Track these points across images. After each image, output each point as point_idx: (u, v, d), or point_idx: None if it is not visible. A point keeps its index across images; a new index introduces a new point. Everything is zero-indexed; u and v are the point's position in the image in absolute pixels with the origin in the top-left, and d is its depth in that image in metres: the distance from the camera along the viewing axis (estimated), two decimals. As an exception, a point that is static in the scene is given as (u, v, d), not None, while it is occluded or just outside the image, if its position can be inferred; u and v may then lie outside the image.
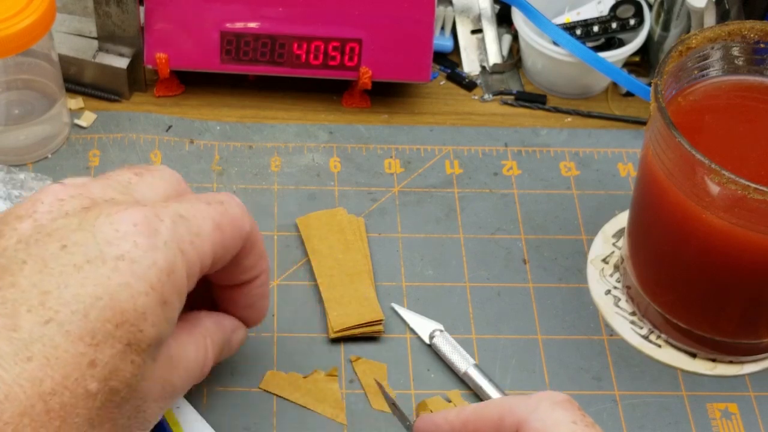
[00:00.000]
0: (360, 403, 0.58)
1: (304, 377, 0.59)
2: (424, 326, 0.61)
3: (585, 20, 0.75)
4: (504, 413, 0.45)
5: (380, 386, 0.56)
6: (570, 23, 0.75)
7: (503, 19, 0.79)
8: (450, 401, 0.58)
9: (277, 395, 0.58)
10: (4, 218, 0.45)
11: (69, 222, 0.44)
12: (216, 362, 0.52)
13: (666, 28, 0.74)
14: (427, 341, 0.61)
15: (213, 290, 0.54)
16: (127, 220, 0.44)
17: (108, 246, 0.43)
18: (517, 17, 0.75)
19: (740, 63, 0.59)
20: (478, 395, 0.58)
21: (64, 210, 0.44)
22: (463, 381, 0.59)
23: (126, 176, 0.48)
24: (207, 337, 0.50)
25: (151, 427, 0.47)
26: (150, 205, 0.45)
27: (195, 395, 0.57)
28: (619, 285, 0.65)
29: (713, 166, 0.50)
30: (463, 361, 0.59)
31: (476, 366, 0.59)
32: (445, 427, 0.47)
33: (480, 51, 0.78)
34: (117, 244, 0.43)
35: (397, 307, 0.62)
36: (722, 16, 0.68)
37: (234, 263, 0.50)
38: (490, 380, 0.58)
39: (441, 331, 0.61)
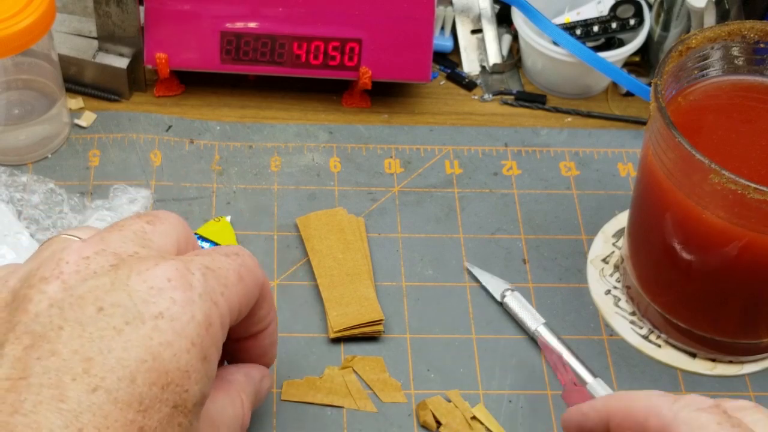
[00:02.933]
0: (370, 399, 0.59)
1: (320, 377, 0.59)
2: (495, 285, 0.64)
3: (585, 20, 0.75)
4: (650, 414, 0.43)
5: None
6: (570, 23, 0.75)
7: (503, 19, 0.79)
8: (450, 401, 0.58)
9: (300, 402, 0.58)
10: (28, 280, 0.43)
11: (101, 282, 0.42)
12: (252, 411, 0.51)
13: (666, 28, 0.74)
14: (499, 299, 0.63)
15: (226, 344, 0.52)
16: (161, 276, 0.43)
17: (145, 305, 0.42)
18: (517, 17, 0.75)
19: (740, 63, 0.59)
20: (545, 356, 0.61)
21: (91, 269, 0.43)
22: (464, 379, 0.59)
23: (138, 225, 0.47)
24: (241, 392, 0.50)
25: None
26: (177, 258, 0.45)
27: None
28: (619, 285, 0.65)
29: (713, 166, 0.50)
30: (533, 320, 0.62)
31: (546, 325, 0.61)
32: (592, 415, 0.46)
33: (480, 51, 0.78)
34: (154, 302, 0.42)
35: (469, 266, 0.65)
36: (722, 16, 0.68)
37: (249, 314, 0.50)
38: (559, 338, 0.61)
39: (512, 290, 0.63)
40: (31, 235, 0.64)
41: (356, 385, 0.59)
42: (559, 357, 0.60)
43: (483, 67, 0.78)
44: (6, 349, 0.41)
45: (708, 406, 0.42)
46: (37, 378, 0.39)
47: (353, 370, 0.60)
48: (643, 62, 0.78)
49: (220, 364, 0.52)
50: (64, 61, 0.71)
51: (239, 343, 0.52)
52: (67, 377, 0.39)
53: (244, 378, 0.51)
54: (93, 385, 0.39)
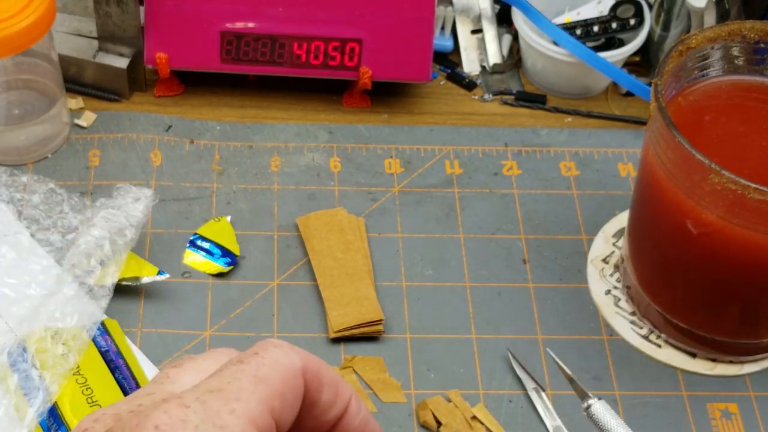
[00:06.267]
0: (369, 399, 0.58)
1: None
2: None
3: (585, 20, 0.75)
4: None
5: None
6: (570, 23, 0.75)
7: (503, 19, 0.79)
8: (450, 401, 0.58)
9: None
10: None
11: None
12: None
13: (666, 28, 0.74)
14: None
15: None
16: (149, 427, 0.39)
17: None
18: (517, 17, 0.75)
19: (740, 63, 0.59)
20: None
21: None
22: (464, 379, 0.59)
23: (166, 371, 0.44)
24: None
25: None
26: (177, 394, 0.42)
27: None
28: (619, 285, 0.65)
29: (713, 166, 0.50)
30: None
31: None
32: None
33: (480, 51, 0.78)
34: None
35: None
36: (722, 16, 0.68)
37: (310, 406, 0.45)
38: None
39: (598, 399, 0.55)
40: (32, 235, 0.64)
41: (356, 385, 0.59)
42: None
43: (483, 67, 0.78)
44: None
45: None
46: None
47: (353, 370, 0.60)
48: (643, 62, 0.78)
49: None
50: (64, 61, 0.71)
51: None
52: None
53: None
54: None
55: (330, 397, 0.45)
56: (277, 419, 0.42)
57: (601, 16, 0.75)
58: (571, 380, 0.55)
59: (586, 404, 0.54)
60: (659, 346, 0.62)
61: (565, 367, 0.56)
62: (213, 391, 0.41)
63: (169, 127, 0.72)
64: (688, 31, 0.73)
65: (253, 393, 0.41)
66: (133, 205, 0.65)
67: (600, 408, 0.54)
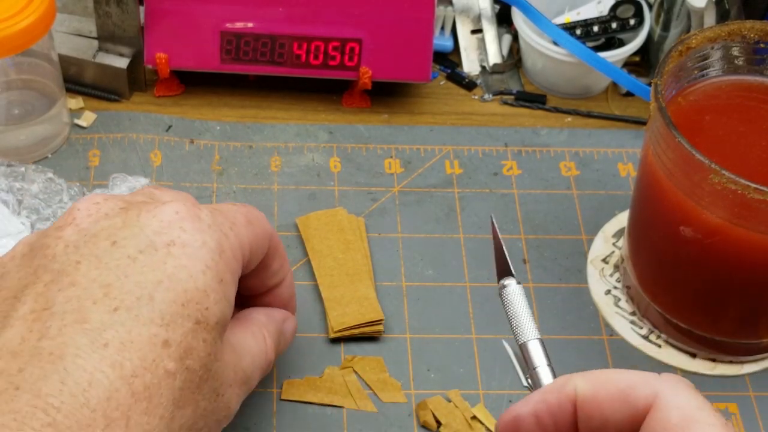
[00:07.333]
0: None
1: (320, 377, 0.59)
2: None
3: (585, 20, 0.75)
4: (637, 382, 0.40)
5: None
6: (570, 23, 0.75)
7: (503, 19, 0.79)
8: (450, 401, 0.58)
9: (300, 402, 0.58)
10: (45, 233, 0.46)
11: (112, 222, 0.45)
12: (277, 353, 0.53)
13: (666, 28, 0.74)
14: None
15: (245, 302, 0.55)
16: (169, 211, 0.45)
17: (157, 235, 0.44)
18: (517, 17, 0.75)
19: (740, 63, 0.59)
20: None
21: (102, 212, 0.46)
22: (464, 379, 0.59)
23: (147, 189, 0.50)
24: (262, 327, 0.52)
25: (232, 415, 0.47)
26: (184, 199, 0.47)
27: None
28: (619, 285, 0.65)
29: (713, 166, 0.50)
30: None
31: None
32: (551, 397, 0.41)
33: (480, 51, 0.78)
34: (165, 233, 0.44)
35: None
36: (722, 16, 0.68)
37: (263, 267, 0.52)
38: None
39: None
40: (32, 225, 0.64)
41: (356, 385, 0.59)
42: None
43: (483, 67, 0.78)
44: (28, 289, 0.43)
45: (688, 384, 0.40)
46: (59, 306, 0.42)
47: (353, 370, 0.60)
48: (643, 62, 0.78)
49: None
50: (64, 61, 0.71)
51: (258, 299, 0.54)
52: (88, 302, 0.42)
53: (265, 317, 0.53)
54: (113, 306, 0.42)
55: (278, 266, 0.53)
56: (247, 261, 0.48)
57: (601, 16, 0.75)
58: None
59: (501, 284, 0.47)
60: (659, 346, 0.62)
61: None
62: (217, 209, 0.48)
63: (169, 127, 0.72)
64: (688, 31, 0.73)
65: (244, 227, 0.48)
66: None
67: (515, 291, 0.46)
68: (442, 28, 0.79)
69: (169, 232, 0.44)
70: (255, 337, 0.50)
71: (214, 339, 0.44)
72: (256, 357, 0.50)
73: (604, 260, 0.66)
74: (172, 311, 0.42)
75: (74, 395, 0.39)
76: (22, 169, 0.67)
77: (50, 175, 0.66)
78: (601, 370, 0.41)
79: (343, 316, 0.61)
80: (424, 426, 0.58)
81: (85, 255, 0.43)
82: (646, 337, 0.63)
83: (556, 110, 0.75)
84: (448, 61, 0.79)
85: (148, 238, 0.44)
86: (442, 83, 0.77)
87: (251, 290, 0.53)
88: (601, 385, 0.40)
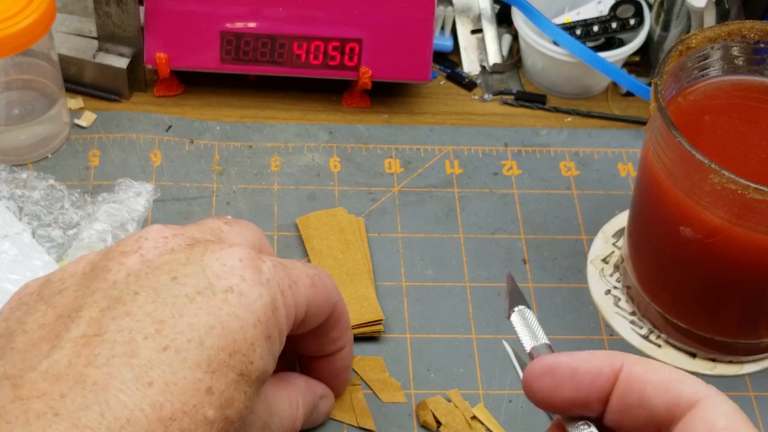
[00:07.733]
0: (369, 400, 0.58)
1: None
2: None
3: (585, 20, 0.75)
4: (683, 379, 0.39)
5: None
6: (570, 23, 0.75)
7: (503, 19, 0.79)
8: (450, 401, 0.58)
9: None
10: (108, 254, 0.46)
11: (176, 257, 0.45)
12: (305, 425, 0.52)
13: (666, 28, 0.74)
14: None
15: (300, 361, 0.55)
16: (234, 256, 0.45)
17: (217, 279, 0.44)
18: (517, 17, 0.75)
19: (740, 63, 0.59)
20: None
21: (169, 246, 0.45)
22: (464, 379, 0.59)
23: (216, 224, 0.50)
24: (299, 395, 0.52)
25: None
26: (250, 248, 0.47)
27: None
28: (619, 285, 0.65)
29: (713, 166, 0.50)
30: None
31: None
32: (595, 361, 0.40)
33: (480, 51, 0.78)
34: (225, 278, 0.44)
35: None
36: (722, 16, 0.68)
37: (322, 333, 0.52)
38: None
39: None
40: (33, 231, 0.64)
41: (361, 403, 0.58)
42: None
43: (483, 67, 0.78)
44: (84, 312, 0.43)
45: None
46: (111, 335, 0.41)
47: (353, 370, 0.60)
48: (643, 62, 0.78)
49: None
50: (64, 61, 0.71)
51: (312, 362, 0.54)
52: (139, 336, 0.41)
53: (305, 385, 0.53)
54: (163, 345, 0.41)
55: (337, 335, 0.53)
56: (302, 321, 0.48)
57: (601, 16, 0.75)
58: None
59: (510, 311, 0.47)
60: (659, 346, 0.62)
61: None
62: (282, 264, 0.47)
63: (169, 127, 0.72)
64: (688, 31, 0.73)
65: (305, 288, 0.48)
66: (134, 199, 0.65)
67: (524, 315, 0.47)
68: (442, 28, 0.79)
69: (230, 279, 0.44)
70: (290, 400, 0.50)
71: (253, 392, 0.44)
72: (284, 420, 0.49)
73: (604, 260, 0.66)
74: (219, 359, 0.42)
75: (111, 431, 0.39)
76: (24, 175, 0.67)
77: (51, 181, 0.66)
78: (651, 359, 0.41)
79: (343, 316, 0.61)
80: (424, 426, 0.58)
81: (144, 287, 0.43)
82: (646, 337, 0.63)
83: (556, 110, 0.75)
84: (448, 61, 0.79)
85: (208, 280, 0.44)
86: (442, 83, 0.77)
87: (306, 351, 0.53)
88: (653, 368, 0.40)
